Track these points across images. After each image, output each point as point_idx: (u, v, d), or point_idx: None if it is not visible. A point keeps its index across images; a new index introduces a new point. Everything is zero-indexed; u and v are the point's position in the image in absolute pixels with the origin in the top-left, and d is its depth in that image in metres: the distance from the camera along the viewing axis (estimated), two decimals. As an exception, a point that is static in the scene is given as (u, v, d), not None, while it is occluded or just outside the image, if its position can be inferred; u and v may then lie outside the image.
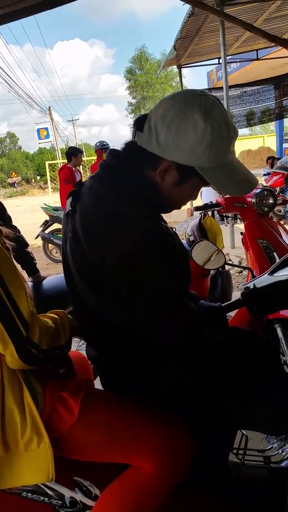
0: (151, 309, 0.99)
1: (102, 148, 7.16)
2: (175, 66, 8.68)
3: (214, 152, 0.99)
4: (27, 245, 2.64)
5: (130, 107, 39.86)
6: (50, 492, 1.04)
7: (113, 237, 0.97)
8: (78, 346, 2.74)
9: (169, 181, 1.04)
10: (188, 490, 1.11)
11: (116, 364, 1.13)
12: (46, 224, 6.86)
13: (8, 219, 2.52)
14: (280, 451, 1.39)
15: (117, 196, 1.01)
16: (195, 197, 1.14)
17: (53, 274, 3.56)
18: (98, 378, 1.27)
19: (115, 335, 1.08)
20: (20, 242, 2.46)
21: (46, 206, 7.06)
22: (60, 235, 6.89)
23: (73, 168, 6.33)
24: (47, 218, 6.90)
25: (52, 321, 1.06)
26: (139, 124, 1.05)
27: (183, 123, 0.98)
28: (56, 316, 1.11)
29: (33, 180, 40.69)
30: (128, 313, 1.02)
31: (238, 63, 9.55)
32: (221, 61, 6.11)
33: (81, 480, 1.06)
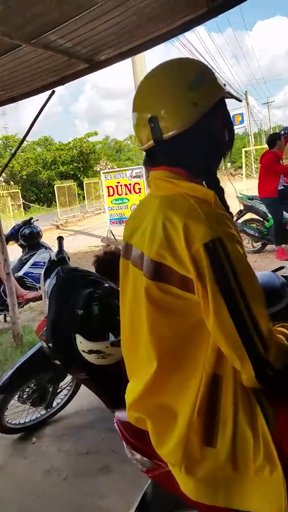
0: None
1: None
2: None
3: None
4: None
5: None
6: None
7: None
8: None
9: None
10: None
11: None
12: (239, 214, 6.80)
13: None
14: None
15: None
16: None
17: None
18: None
19: None
20: None
21: (242, 196, 7.00)
22: (252, 225, 6.75)
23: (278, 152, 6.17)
24: (241, 208, 6.83)
25: (285, 338, 0.97)
26: None
27: None
28: (287, 331, 1.01)
29: (223, 168, 41.00)
30: None
31: None
32: None
33: None
